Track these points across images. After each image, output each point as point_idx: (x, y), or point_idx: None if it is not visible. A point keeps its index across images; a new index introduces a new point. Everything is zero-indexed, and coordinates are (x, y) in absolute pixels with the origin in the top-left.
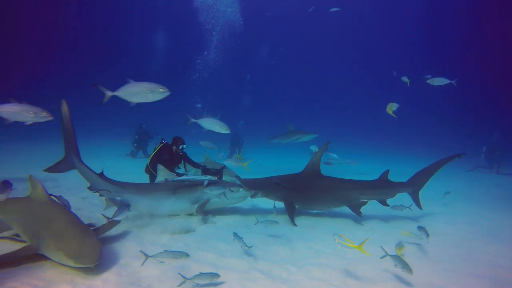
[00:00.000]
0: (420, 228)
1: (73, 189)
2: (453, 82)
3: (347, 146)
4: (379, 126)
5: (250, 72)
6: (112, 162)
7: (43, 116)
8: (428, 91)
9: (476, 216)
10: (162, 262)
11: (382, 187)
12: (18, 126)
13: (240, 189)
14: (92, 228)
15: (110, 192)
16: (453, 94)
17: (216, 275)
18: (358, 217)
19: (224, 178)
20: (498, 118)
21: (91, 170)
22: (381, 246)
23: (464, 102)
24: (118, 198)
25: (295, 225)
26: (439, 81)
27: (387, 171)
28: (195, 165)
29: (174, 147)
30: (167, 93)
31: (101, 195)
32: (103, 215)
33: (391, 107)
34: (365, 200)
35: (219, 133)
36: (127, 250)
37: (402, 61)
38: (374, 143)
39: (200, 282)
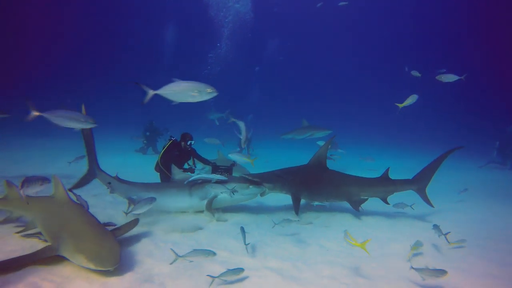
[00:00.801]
0: (435, 227)
1: (85, 185)
2: (462, 77)
3: (364, 142)
4: (394, 122)
5: (259, 66)
6: (122, 159)
7: (90, 123)
8: (442, 85)
9: (489, 213)
10: (191, 261)
11: (383, 185)
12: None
13: (250, 186)
14: (111, 227)
15: (109, 183)
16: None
17: (241, 270)
18: (375, 217)
19: (234, 174)
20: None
21: (109, 175)
22: (411, 266)
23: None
24: (135, 197)
25: (298, 217)
26: (448, 78)
27: (388, 169)
28: (204, 161)
29: (183, 143)
30: (215, 94)
31: (111, 192)
32: (124, 212)
33: (411, 99)
34: (366, 198)
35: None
36: (141, 248)
37: (416, 54)
38: (390, 140)
39: (227, 279)
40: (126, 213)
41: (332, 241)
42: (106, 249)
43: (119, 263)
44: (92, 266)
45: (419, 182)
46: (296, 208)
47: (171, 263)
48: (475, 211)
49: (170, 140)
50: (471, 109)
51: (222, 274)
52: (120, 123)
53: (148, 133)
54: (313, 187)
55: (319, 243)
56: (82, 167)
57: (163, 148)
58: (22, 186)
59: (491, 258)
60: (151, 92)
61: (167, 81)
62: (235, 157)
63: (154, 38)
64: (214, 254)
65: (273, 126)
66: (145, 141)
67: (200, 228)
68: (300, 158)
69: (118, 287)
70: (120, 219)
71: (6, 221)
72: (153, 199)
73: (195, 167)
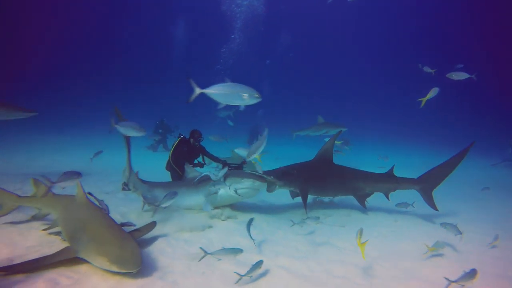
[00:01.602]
0: (444, 224)
1: (98, 182)
2: (473, 76)
3: (381, 140)
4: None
5: (269, 60)
6: (133, 156)
7: (143, 131)
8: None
9: (504, 212)
10: (220, 259)
11: (387, 182)
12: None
13: (251, 180)
14: (129, 227)
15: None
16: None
17: (261, 262)
18: (391, 216)
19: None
20: None
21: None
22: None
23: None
24: (149, 196)
25: (306, 213)
26: (459, 76)
27: (393, 166)
28: (214, 159)
29: (192, 140)
30: (259, 100)
31: (125, 189)
32: (143, 202)
33: (433, 92)
34: (371, 192)
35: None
36: (153, 245)
37: (435, 50)
38: (403, 136)
39: (253, 275)
40: (143, 210)
41: (346, 240)
42: (128, 251)
43: (141, 266)
44: (115, 269)
45: (423, 183)
46: (305, 204)
47: (199, 260)
48: (488, 210)
49: (179, 137)
50: (484, 107)
51: (248, 272)
52: (131, 120)
53: (160, 131)
54: (320, 182)
55: (332, 242)
56: (97, 163)
57: (173, 146)
58: (59, 180)
59: (509, 258)
60: (198, 91)
61: (181, 77)
62: (241, 152)
63: (166, 35)
64: (241, 251)
65: (284, 122)
66: (156, 139)
67: (210, 226)
68: (312, 155)
69: (132, 284)
70: (133, 216)
71: (34, 218)
72: (176, 193)
73: (204, 163)
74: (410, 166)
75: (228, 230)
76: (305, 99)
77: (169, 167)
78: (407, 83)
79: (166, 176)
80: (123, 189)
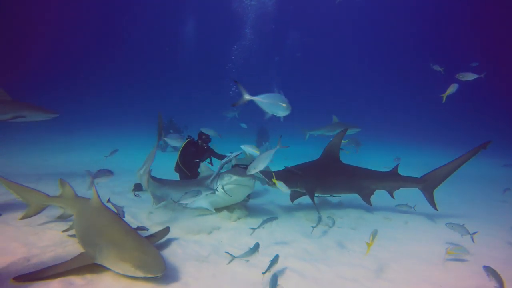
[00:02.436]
0: (450, 224)
1: (109, 182)
2: (482, 75)
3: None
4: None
5: (278, 57)
6: (142, 157)
7: (181, 141)
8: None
9: None
10: (247, 261)
11: (391, 180)
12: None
13: (236, 176)
14: (143, 231)
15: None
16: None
17: (277, 256)
18: (402, 218)
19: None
20: None
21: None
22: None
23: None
24: (159, 194)
25: (318, 211)
26: (467, 76)
27: (397, 165)
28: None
29: (200, 141)
30: (290, 111)
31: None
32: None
33: (452, 88)
34: (374, 187)
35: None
36: (164, 246)
37: (449, 50)
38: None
39: (272, 270)
40: (153, 208)
41: (356, 243)
42: (151, 256)
43: (166, 269)
44: (140, 274)
45: (425, 182)
46: (314, 203)
47: (228, 263)
48: (502, 212)
49: (187, 139)
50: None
51: (268, 268)
52: (139, 120)
53: (171, 131)
54: (327, 181)
55: (342, 244)
56: (107, 163)
57: (181, 148)
58: (95, 176)
59: None
60: (247, 97)
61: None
62: (247, 149)
63: (177, 34)
64: (259, 245)
65: (294, 121)
66: (164, 139)
67: (218, 227)
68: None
69: (144, 285)
70: (143, 217)
71: (60, 219)
72: (198, 191)
73: (212, 164)
74: (425, 166)
75: (236, 232)
76: (312, 99)
77: (177, 168)
78: (418, 83)
79: (175, 177)
80: (135, 195)
